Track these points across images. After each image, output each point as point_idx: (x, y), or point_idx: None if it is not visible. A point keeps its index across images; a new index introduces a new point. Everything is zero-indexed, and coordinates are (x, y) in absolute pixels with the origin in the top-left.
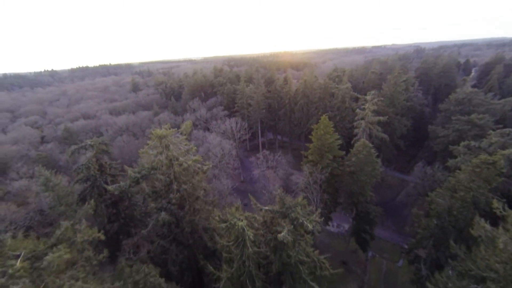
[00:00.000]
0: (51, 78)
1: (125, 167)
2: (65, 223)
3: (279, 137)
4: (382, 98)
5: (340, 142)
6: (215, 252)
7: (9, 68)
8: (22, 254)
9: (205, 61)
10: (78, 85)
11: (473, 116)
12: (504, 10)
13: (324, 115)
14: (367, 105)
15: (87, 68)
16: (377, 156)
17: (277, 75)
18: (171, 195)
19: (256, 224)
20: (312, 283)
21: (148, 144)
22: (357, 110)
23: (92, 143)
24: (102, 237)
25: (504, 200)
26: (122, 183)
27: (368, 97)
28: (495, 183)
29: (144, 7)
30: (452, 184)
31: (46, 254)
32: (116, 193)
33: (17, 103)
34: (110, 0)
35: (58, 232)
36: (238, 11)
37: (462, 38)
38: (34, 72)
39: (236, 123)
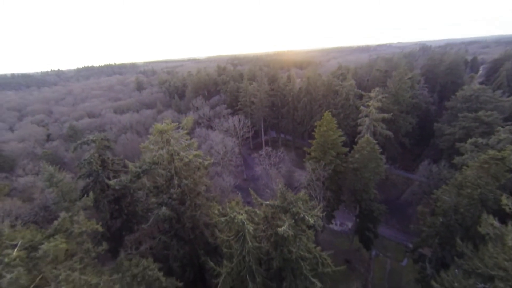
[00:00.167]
0: (57, 77)
1: (126, 161)
2: (63, 214)
3: (282, 135)
4: (386, 95)
5: (343, 138)
6: (217, 248)
7: (17, 68)
8: (19, 243)
9: (209, 60)
10: (84, 85)
11: (480, 113)
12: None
13: (327, 111)
14: (371, 102)
15: (92, 67)
16: (381, 153)
17: (281, 74)
18: (172, 190)
19: (256, 219)
20: (313, 279)
21: (149, 139)
22: (361, 108)
23: (94, 138)
24: (100, 229)
25: None
26: (123, 178)
27: (372, 94)
28: (504, 180)
29: (149, 7)
30: (458, 181)
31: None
32: (117, 187)
33: (24, 102)
34: (115, 0)
35: (55, 222)
36: (242, 10)
37: (470, 36)
38: (41, 72)
39: (239, 121)
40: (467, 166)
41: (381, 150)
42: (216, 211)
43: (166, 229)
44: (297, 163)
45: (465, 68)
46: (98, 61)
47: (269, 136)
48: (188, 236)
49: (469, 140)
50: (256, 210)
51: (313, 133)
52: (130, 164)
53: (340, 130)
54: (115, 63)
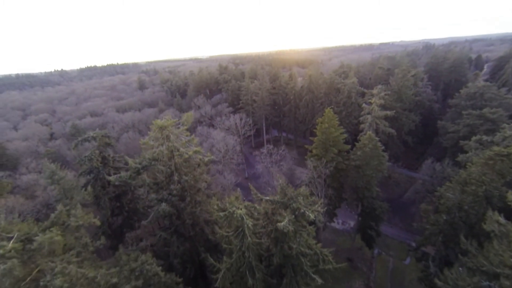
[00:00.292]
0: (60, 77)
1: (126, 157)
2: (59, 207)
3: (284, 134)
4: (389, 92)
5: (345, 136)
6: (217, 245)
7: (21, 68)
8: (15, 236)
9: (211, 59)
10: (87, 84)
11: (485, 110)
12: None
13: (328, 108)
14: (373, 99)
15: (95, 67)
16: (384, 151)
17: (282, 72)
18: (172, 186)
19: (256, 214)
20: (314, 276)
21: (149, 135)
22: (364, 105)
23: (95, 135)
24: (98, 223)
25: None
26: (123, 174)
27: (374, 91)
28: (510, 177)
29: (151, 7)
30: (463, 178)
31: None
32: (117, 183)
33: (28, 102)
34: (118, 1)
35: (52, 215)
36: (244, 10)
37: (473, 34)
38: (45, 72)
39: (241, 119)
40: (472, 163)
41: (383, 147)
42: (215, 206)
43: (167, 226)
44: (298, 161)
45: (469, 66)
46: (101, 61)
47: (271, 135)
48: (188, 233)
49: (474, 138)
50: (256, 205)
51: (314, 130)
52: (129, 160)
53: (342, 127)
54: (117, 63)
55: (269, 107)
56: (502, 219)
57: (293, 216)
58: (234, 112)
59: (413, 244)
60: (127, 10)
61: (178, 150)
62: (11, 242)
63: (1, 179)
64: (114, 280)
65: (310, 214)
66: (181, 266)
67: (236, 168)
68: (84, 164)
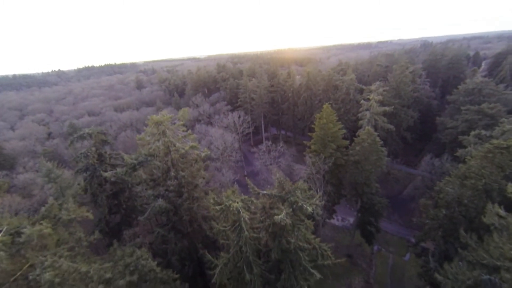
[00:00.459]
0: (58, 78)
1: (122, 153)
2: (50, 200)
3: (283, 132)
4: (387, 88)
5: (343, 131)
6: (216, 242)
7: (18, 69)
8: (4, 229)
9: (209, 59)
10: (84, 84)
11: (484, 105)
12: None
13: (326, 104)
14: (372, 96)
15: (93, 67)
16: (383, 147)
17: (281, 71)
18: (169, 182)
19: (252, 207)
20: (312, 270)
21: (145, 131)
22: (362, 101)
23: (90, 131)
24: (91, 216)
25: None
26: (118, 170)
27: (373, 87)
28: (509, 170)
29: (149, 6)
30: (462, 171)
31: None
32: (112, 179)
33: (25, 102)
34: (117, 1)
35: (43, 208)
36: (243, 9)
37: (472, 31)
38: (42, 73)
39: (239, 117)
40: (471, 157)
41: (382, 143)
42: (212, 200)
43: (164, 222)
44: (297, 158)
45: (467, 63)
46: (98, 61)
47: (270, 133)
48: (186, 229)
49: (472, 133)
50: (253, 199)
51: (313, 126)
52: (125, 156)
53: (340, 123)
54: (115, 63)
55: (268, 104)
56: (502, 211)
57: (291, 209)
58: (232, 110)
59: (413, 240)
60: (125, 10)
61: (174, 146)
62: (0, 235)
63: None
64: (108, 275)
65: (308, 207)
66: (179, 263)
67: (235, 165)
68: (80, 161)
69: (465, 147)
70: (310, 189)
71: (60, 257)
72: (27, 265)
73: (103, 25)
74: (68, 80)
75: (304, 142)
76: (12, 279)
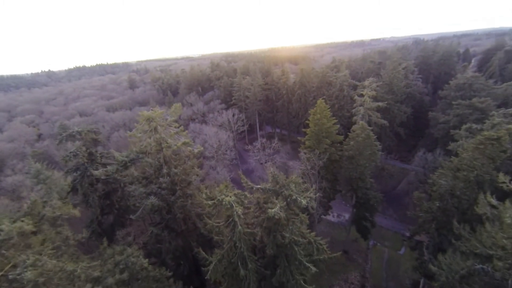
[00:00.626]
0: (48, 78)
1: (113, 151)
2: (33, 196)
3: (277, 130)
4: (381, 82)
5: (337, 127)
6: (211, 240)
7: (6, 69)
8: None
9: (203, 58)
10: (75, 84)
11: (474, 100)
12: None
13: (320, 99)
14: (365, 91)
15: (84, 68)
16: (376, 141)
17: (275, 69)
18: (161, 179)
19: (246, 202)
20: (307, 264)
21: (136, 127)
22: (356, 97)
23: (80, 129)
24: (77, 214)
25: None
26: (109, 167)
27: (366, 83)
28: (500, 160)
29: (141, 5)
30: (454, 164)
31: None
32: (103, 177)
33: (14, 103)
34: (106, 1)
35: (25, 205)
36: (236, 8)
37: (462, 29)
38: (32, 73)
39: (233, 115)
40: (463, 149)
41: (376, 137)
42: (204, 195)
43: (157, 221)
44: (292, 156)
45: (457, 60)
46: (90, 61)
47: (265, 131)
48: (180, 227)
49: (464, 127)
50: (246, 193)
51: (307, 122)
52: (116, 154)
53: (335, 118)
54: (107, 63)
55: (262, 102)
56: (494, 201)
57: (285, 203)
58: (226, 109)
59: (407, 234)
60: (117, 9)
61: (166, 142)
62: None
63: None
64: (96, 273)
65: (302, 200)
66: (174, 263)
67: (230, 163)
68: (70, 161)
69: (456, 141)
70: (304, 183)
71: (43, 255)
72: (9, 265)
73: (95, 24)
74: (59, 81)
75: (299, 138)
76: None
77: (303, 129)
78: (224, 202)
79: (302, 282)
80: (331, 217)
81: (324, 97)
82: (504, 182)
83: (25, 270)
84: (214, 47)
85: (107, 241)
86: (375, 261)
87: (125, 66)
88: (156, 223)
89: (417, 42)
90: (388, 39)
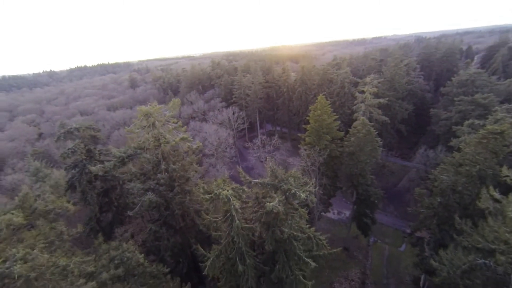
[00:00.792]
0: (49, 78)
1: (110, 147)
2: (24, 188)
3: (278, 128)
4: (382, 79)
5: (338, 123)
6: (210, 237)
7: (7, 70)
8: None
9: (204, 57)
10: (76, 84)
11: (477, 96)
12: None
13: (321, 95)
14: (366, 88)
15: (85, 67)
16: (377, 136)
17: (276, 67)
18: (159, 175)
19: (244, 196)
20: (307, 259)
21: (134, 123)
22: (357, 94)
23: (78, 126)
24: (71, 208)
25: None
26: (106, 163)
27: (367, 80)
28: (503, 155)
29: (142, 5)
30: (456, 159)
31: None
32: (100, 174)
33: (15, 103)
34: (108, 1)
35: (17, 198)
36: (237, 7)
37: (464, 26)
38: (33, 73)
39: (233, 113)
40: (466, 144)
41: (377, 133)
42: (201, 189)
43: (156, 218)
44: (292, 153)
45: (460, 57)
46: (91, 61)
47: (265, 129)
48: (178, 224)
49: (466, 122)
50: (244, 187)
51: (307, 118)
52: (114, 150)
53: (335, 114)
54: (109, 63)
55: (262, 100)
56: (497, 194)
57: (284, 197)
58: (227, 107)
59: (408, 230)
60: (118, 9)
61: (164, 137)
62: None
63: None
64: (90, 268)
65: (302, 194)
66: (173, 260)
67: (230, 161)
68: (68, 157)
69: (458, 137)
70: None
71: (33, 248)
72: (1, 260)
73: (96, 24)
74: (60, 81)
75: (299, 135)
76: None
77: (303, 126)
78: (221, 196)
79: (301, 277)
80: (331, 214)
81: (325, 93)
82: (507, 176)
83: (14, 263)
84: (215, 46)
85: (106, 239)
86: (375, 258)
87: (127, 65)
88: (155, 220)
89: (419, 40)
90: (390, 37)
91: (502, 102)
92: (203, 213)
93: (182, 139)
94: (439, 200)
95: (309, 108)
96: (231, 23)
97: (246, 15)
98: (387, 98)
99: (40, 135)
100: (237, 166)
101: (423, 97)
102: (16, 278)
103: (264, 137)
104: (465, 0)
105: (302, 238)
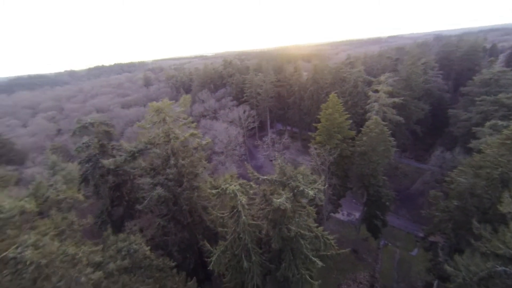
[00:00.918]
0: (69, 77)
1: (122, 142)
2: (38, 178)
3: (288, 127)
4: (397, 78)
5: (349, 122)
6: (217, 234)
7: (33, 69)
8: None
9: (216, 56)
10: (94, 83)
11: (501, 95)
12: None
13: (333, 93)
14: (381, 87)
15: (103, 67)
16: (391, 136)
17: (287, 66)
18: (168, 171)
19: (251, 192)
20: (314, 258)
21: (145, 118)
22: (370, 93)
23: (92, 121)
24: (81, 198)
25: None
26: (117, 158)
27: (382, 78)
28: None
29: (158, 7)
30: (476, 161)
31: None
32: (112, 167)
33: (38, 100)
34: (127, 2)
35: (30, 187)
36: (249, 6)
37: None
38: (55, 73)
39: (244, 111)
40: (487, 145)
41: (390, 133)
42: (209, 184)
43: (164, 213)
44: (302, 153)
45: (483, 56)
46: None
47: (276, 128)
48: (186, 220)
49: (487, 123)
50: (252, 183)
51: (318, 116)
52: (124, 143)
53: (347, 113)
54: (124, 62)
55: (273, 99)
56: None
57: (292, 194)
58: (238, 105)
59: (421, 235)
60: (135, 11)
61: (174, 133)
62: None
63: (7, 172)
64: (98, 258)
65: (310, 191)
66: (180, 255)
67: (239, 159)
68: (82, 151)
69: (478, 138)
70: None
71: (44, 235)
72: (14, 246)
73: (113, 25)
74: (79, 79)
75: (310, 133)
76: None
77: (314, 124)
78: (228, 191)
79: (307, 277)
80: (340, 215)
81: (337, 91)
82: None
83: (25, 249)
84: (228, 46)
85: (116, 231)
86: (385, 261)
87: (141, 65)
88: (163, 215)
89: (439, 38)
90: (407, 35)
91: None
92: (210, 209)
93: (192, 134)
94: (455, 203)
95: (321, 106)
96: (244, 23)
97: (258, 15)
98: (402, 98)
99: (58, 131)
100: (246, 163)
101: (441, 97)
102: (28, 263)
103: (274, 135)
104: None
105: (309, 237)
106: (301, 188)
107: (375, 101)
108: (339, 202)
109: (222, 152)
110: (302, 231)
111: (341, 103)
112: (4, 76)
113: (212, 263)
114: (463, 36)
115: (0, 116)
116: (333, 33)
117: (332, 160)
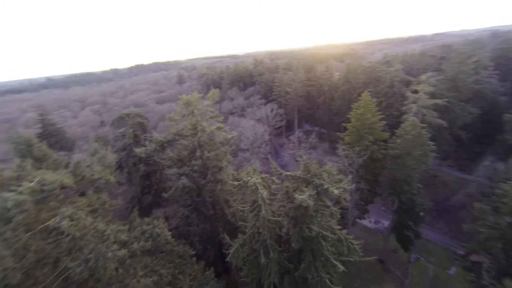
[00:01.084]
0: (113, 75)
1: (153, 132)
2: (76, 157)
3: (316, 128)
4: (442, 77)
5: (382, 123)
6: (238, 228)
7: (85, 67)
8: (37, 179)
9: (247, 56)
10: (133, 80)
11: None
12: None
13: (365, 92)
14: (421, 87)
15: (142, 65)
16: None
17: (318, 65)
18: (194, 162)
19: (273, 187)
20: (335, 262)
21: (175, 110)
22: (408, 94)
23: (128, 112)
24: (112, 180)
25: None
26: (148, 147)
27: (423, 78)
28: None
29: (194, 8)
30: None
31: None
32: (143, 155)
33: (86, 95)
34: (162, 5)
35: (71, 165)
36: (282, 4)
37: None
38: (102, 71)
39: (272, 110)
40: None
41: (430, 136)
42: (231, 176)
43: (188, 203)
44: (329, 154)
45: None
46: (147, 60)
47: (303, 129)
48: (208, 212)
49: None
50: (274, 178)
51: (348, 116)
52: (154, 134)
53: (381, 114)
54: (161, 61)
55: (302, 98)
56: None
57: (315, 192)
58: (266, 104)
59: (461, 252)
60: (172, 13)
61: (201, 125)
62: (32, 183)
63: (59, 157)
64: (124, 237)
65: (335, 190)
66: (201, 246)
67: (264, 157)
68: (118, 140)
69: None
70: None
71: (79, 209)
72: (55, 218)
73: (153, 27)
74: (121, 77)
75: (339, 133)
76: (40, 226)
77: (343, 124)
78: (249, 184)
79: (327, 281)
80: (367, 222)
81: (371, 90)
82: None
83: (63, 219)
84: (259, 45)
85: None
86: (416, 276)
87: (176, 63)
88: (187, 205)
89: (496, 34)
90: (456, 32)
91: None
92: (232, 202)
93: (218, 128)
94: (508, 220)
95: (352, 105)
96: (276, 22)
97: (291, 13)
98: (446, 99)
99: (102, 122)
100: (269, 157)
101: (495, 100)
102: (64, 234)
103: (301, 134)
104: None
105: (331, 239)
106: (326, 186)
107: (413, 102)
108: (366, 208)
109: (247, 149)
110: (324, 232)
111: (374, 103)
112: (61, 73)
113: (230, 255)
114: None
115: (56, 108)
116: (369, 31)
117: (361, 162)
